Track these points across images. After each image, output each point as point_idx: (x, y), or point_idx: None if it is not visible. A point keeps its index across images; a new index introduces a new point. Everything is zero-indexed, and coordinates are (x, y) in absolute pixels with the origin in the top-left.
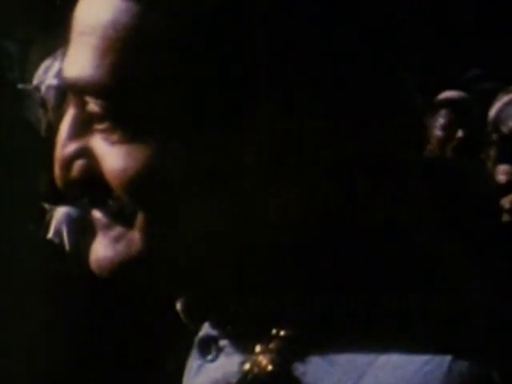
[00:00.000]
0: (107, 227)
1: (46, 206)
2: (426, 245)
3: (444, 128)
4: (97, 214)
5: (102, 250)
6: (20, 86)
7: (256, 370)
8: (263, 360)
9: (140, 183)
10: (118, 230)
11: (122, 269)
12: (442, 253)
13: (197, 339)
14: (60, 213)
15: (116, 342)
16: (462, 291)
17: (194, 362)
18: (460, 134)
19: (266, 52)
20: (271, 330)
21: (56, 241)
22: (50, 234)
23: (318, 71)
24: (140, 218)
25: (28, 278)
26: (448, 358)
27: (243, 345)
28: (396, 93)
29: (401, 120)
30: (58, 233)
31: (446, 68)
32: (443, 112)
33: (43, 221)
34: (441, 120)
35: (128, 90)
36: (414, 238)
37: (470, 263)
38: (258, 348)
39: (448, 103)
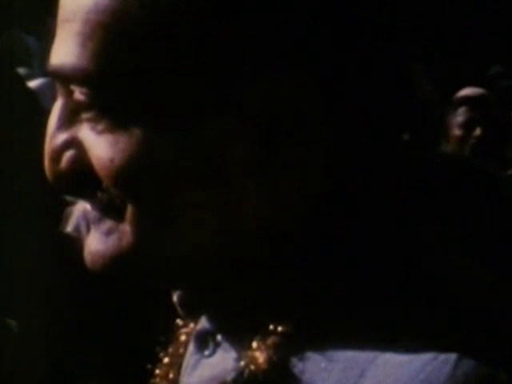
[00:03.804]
0: (99, 220)
1: (68, 199)
2: (430, 242)
3: (462, 126)
4: (88, 207)
5: (94, 243)
6: (40, 78)
7: (252, 367)
8: (260, 357)
9: (127, 173)
10: (109, 223)
11: (114, 263)
12: (446, 250)
13: (194, 333)
14: (80, 207)
15: (119, 336)
16: (467, 289)
17: (191, 356)
18: (478, 132)
19: (255, 36)
20: (269, 325)
21: (75, 235)
22: (69, 229)
23: (312, 58)
24: (130, 210)
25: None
26: (453, 356)
27: (240, 340)
28: (402, 86)
29: (407, 116)
30: (77, 228)
31: (467, 65)
32: (462, 110)
33: (62, 215)
34: (459, 118)
35: (111, 76)
36: (416, 234)
37: (478, 262)
38: (254, 344)
39: (466, 101)
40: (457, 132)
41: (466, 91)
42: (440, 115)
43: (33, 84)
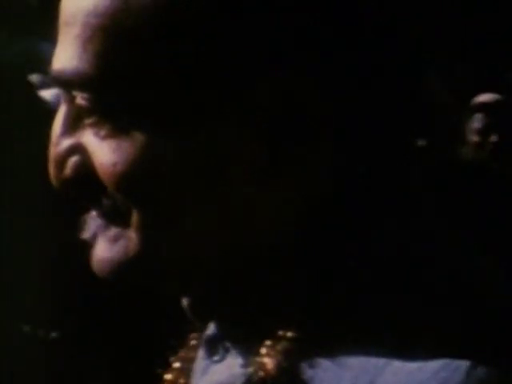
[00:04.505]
0: (104, 227)
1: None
2: (433, 242)
3: (479, 132)
4: (93, 214)
5: (100, 251)
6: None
7: (261, 373)
8: (269, 363)
9: (130, 177)
10: (114, 230)
11: (121, 269)
12: (457, 253)
13: (204, 338)
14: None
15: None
16: (480, 294)
17: (201, 361)
18: (494, 138)
19: (255, 36)
20: (277, 330)
21: (92, 242)
22: (86, 235)
23: (312, 58)
24: (134, 216)
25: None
26: (465, 363)
27: (249, 346)
28: (405, 88)
29: (414, 118)
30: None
31: (485, 71)
32: (478, 116)
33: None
34: (476, 124)
35: (112, 78)
36: (419, 235)
37: (492, 264)
38: (263, 350)
39: (482, 107)
40: (473, 138)
41: (483, 97)
42: (457, 121)
43: (49, 93)
